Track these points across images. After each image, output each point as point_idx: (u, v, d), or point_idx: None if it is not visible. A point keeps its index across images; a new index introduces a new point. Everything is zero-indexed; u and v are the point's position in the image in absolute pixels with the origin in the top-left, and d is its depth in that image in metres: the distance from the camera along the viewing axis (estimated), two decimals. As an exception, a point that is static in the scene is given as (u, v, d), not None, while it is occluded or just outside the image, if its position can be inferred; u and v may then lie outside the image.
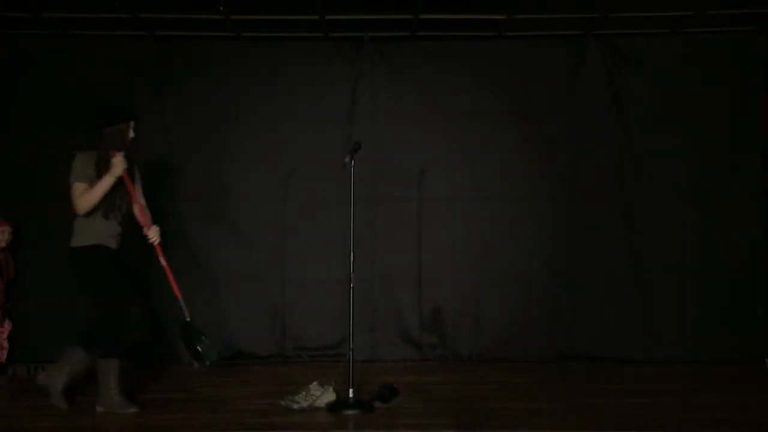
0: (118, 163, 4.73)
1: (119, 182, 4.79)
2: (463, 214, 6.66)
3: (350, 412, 4.77)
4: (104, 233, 4.81)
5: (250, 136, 6.65)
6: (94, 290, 4.77)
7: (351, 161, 4.94)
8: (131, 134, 4.90)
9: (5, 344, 6.33)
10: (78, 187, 4.75)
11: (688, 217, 6.57)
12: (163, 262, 4.92)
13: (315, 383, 4.92)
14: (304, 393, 4.87)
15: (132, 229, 4.97)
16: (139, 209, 4.92)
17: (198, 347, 4.91)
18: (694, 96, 6.59)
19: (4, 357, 6.32)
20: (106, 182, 4.73)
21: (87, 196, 4.72)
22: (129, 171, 4.85)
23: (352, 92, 6.69)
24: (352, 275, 4.98)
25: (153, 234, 4.91)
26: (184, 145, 6.65)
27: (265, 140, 6.65)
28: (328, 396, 4.88)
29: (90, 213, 4.77)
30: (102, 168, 4.76)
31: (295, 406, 4.82)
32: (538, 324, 6.58)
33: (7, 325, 6.35)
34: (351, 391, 4.85)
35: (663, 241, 6.57)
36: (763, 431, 4.55)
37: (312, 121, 6.64)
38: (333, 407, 4.82)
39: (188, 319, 4.96)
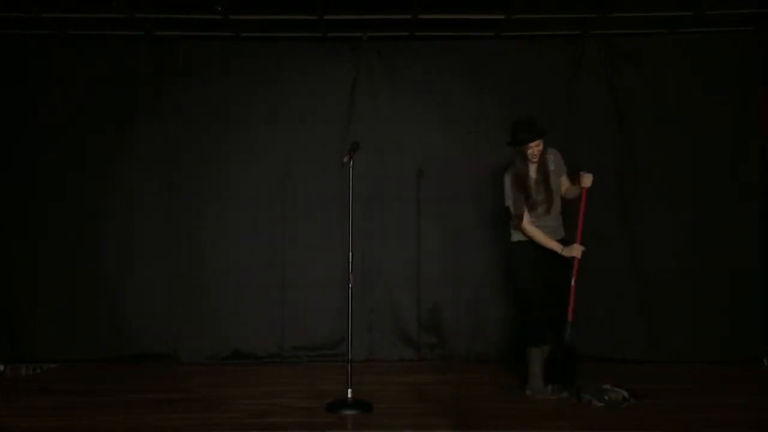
0: (573, 251, 5.19)
1: (538, 181, 5.21)
2: (461, 213, 6.65)
3: (349, 412, 4.77)
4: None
5: (249, 135, 6.65)
6: (518, 284, 5.34)
7: (349, 161, 4.95)
8: (533, 152, 5.20)
9: None
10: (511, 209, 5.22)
11: (688, 218, 6.56)
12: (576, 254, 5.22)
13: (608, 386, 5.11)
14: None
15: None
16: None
17: (573, 373, 5.15)
18: (693, 96, 6.58)
19: None
20: (543, 242, 5.19)
21: (526, 228, 5.18)
22: (542, 173, 5.24)
23: (350, 92, 6.68)
24: (350, 275, 4.98)
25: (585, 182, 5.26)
26: (182, 144, 6.65)
27: (263, 140, 6.65)
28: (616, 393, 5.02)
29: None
30: (519, 184, 5.18)
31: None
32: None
33: None
34: (350, 391, 4.85)
35: (662, 242, 6.56)
36: (763, 430, 4.56)
37: (310, 121, 6.65)
38: (332, 407, 4.83)
39: (569, 343, 5.14)
